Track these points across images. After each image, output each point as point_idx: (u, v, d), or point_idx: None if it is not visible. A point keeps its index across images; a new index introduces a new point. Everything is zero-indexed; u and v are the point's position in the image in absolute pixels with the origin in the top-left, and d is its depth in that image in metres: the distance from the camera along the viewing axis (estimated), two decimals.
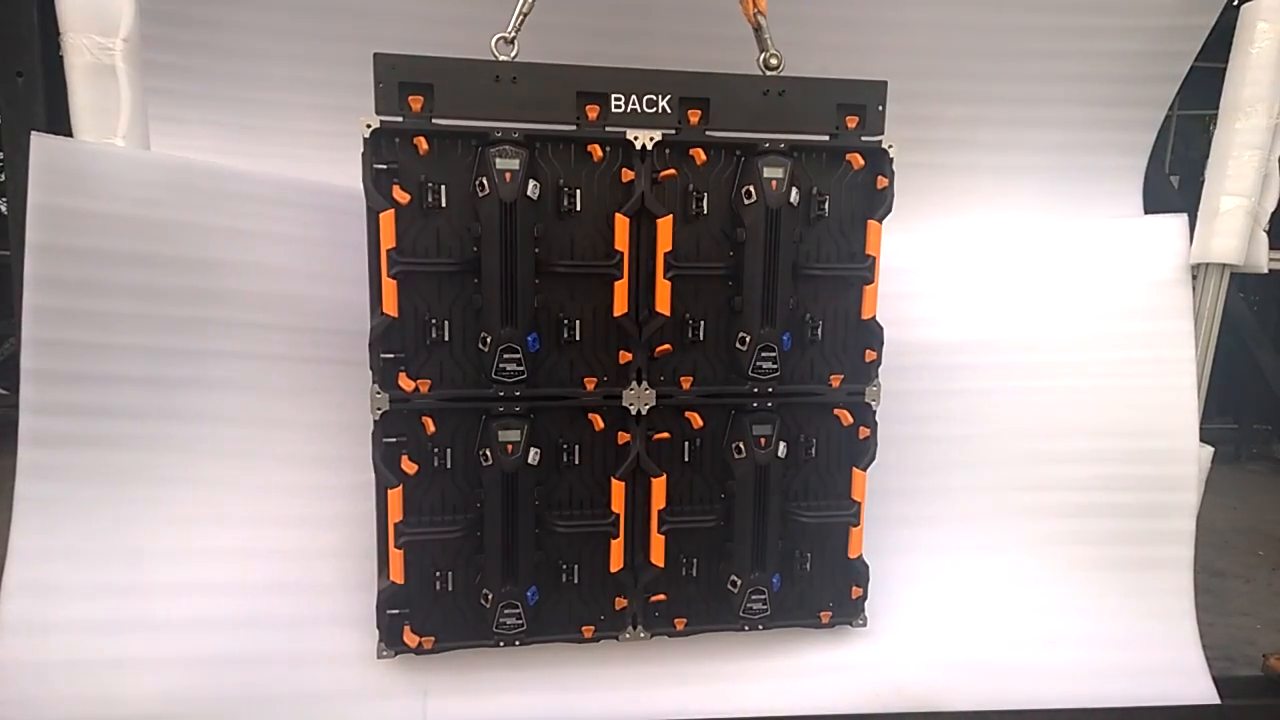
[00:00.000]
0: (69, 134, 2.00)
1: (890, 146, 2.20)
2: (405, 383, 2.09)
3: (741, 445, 2.23)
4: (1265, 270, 2.73)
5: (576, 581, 2.28)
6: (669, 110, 2.12)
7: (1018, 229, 2.91)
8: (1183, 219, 2.79)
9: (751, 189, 2.12)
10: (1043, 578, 2.74)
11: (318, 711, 2.27)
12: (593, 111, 2.09)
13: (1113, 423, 2.80)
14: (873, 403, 2.33)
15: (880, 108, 2.18)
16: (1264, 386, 4.28)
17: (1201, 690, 2.73)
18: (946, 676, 2.49)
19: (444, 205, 2.06)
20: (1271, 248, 2.72)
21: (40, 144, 1.94)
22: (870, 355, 2.29)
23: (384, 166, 2.01)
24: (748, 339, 2.17)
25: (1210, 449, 2.81)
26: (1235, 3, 2.67)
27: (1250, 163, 2.58)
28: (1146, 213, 3.06)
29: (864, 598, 2.43)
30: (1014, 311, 2.79)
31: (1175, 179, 5.89)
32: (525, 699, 2.35)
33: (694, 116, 2.13)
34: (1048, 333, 2.76)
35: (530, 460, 2.14)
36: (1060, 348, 2.81)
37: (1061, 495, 2.81)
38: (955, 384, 2.75)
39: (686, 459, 2.28)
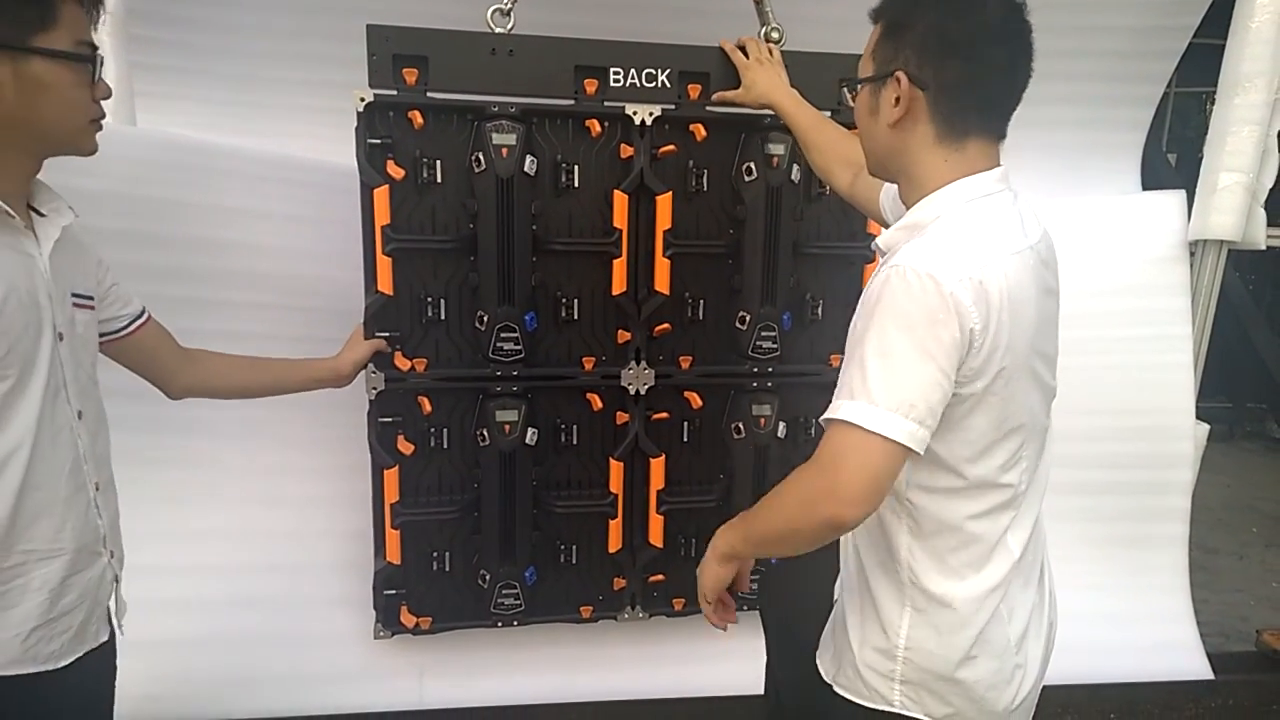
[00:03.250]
0: None
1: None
2: (401, 362, 2.10)
3: (741, 425, 2.26)
4: (1263, 247, 2.79)
5: (575, 562, 2.32)
6: (669, 85, 2.13)
7: None
8: (1180, 195, 2.84)
9: (752, 165, 2.14)
10: None
11: (313, 691, 2.32)
12: (591, 86, 2.10)
13: (1109, 400, 2.85)
14: None
15: None
16: (1259, 364, 4.39)
17: (1195, 666, 2.82)
18: None
19: (439, 181, 2.06)
20: (1270, 224, 2.78)
21: None
22: None
23: (378, 141, 2.01)
24: (748, 318, 2.20)
25: (1206, 426, 2.88)
26: None
27: (1249, 138, 2.62)
28: (1144, 190, 3.11)
29: None
30: None
31: (1172, 157, 5.97)
32: (522, 678, 2.40)
33: (694, 91, 2.14)
34: None
35: (528, 440, 2.17)
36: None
37: (1055, 472, 2.86)
38: None
39: (685, 439, 2.31)
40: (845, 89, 1.42)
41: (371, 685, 2.35)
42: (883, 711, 1.30)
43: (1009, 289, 1.16)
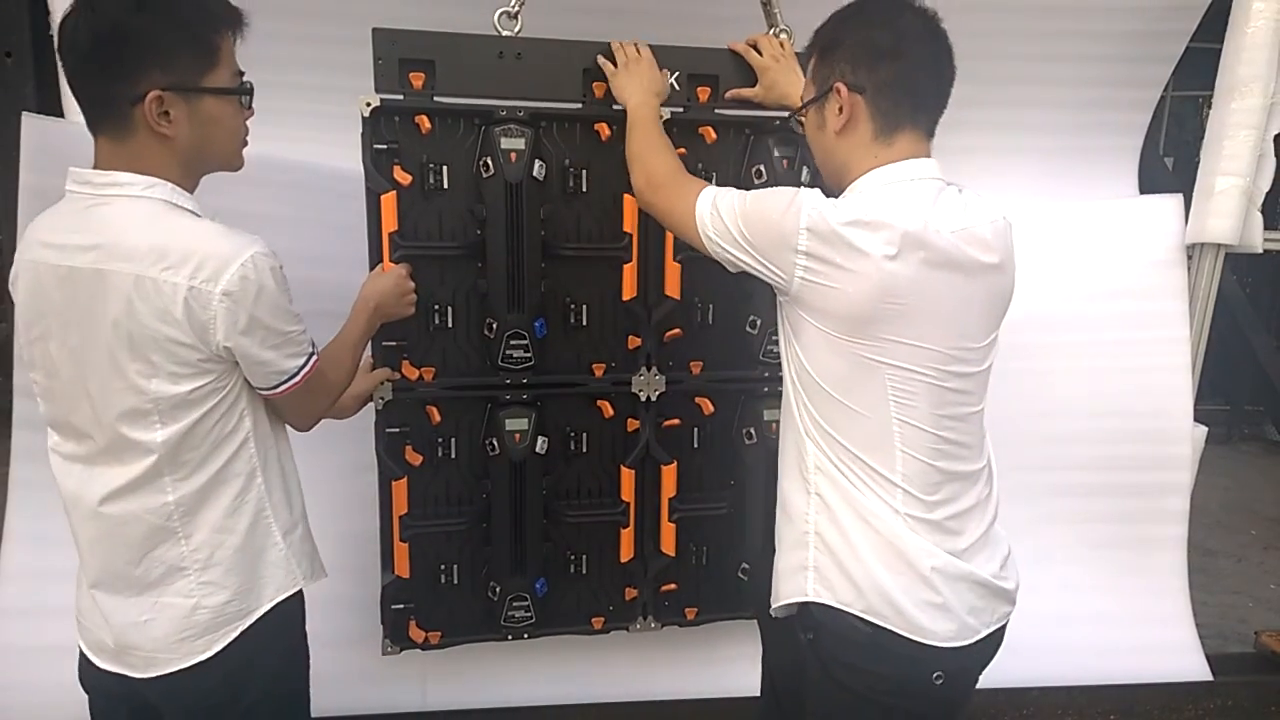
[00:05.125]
0: (60, 115, 2.04)
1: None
2: (409, 370, 2.16)
3: (752, 431, 2.33)
4: (1260, 250, 2.94)
5: (585, 572, 2.38)
6: (677, 87, 2.20)
7: (1013, 210, 3.09)
8: (1178, 199, 2.99)
9: (762, 168, 2.22)
10: (1036, 557, 2.91)
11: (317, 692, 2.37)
12: (600, 89, 2.16)
13: (1107, 403, 2.99)
14: None
15: None
16: (1256, 367, 4.59)
17: (1194, 667, 2.96)
18: None
19: (447, 186, 2.12)
20: (1266, 228, 2.93)
21: (31, 125, 1.98)
22: None
23: (384, 146, 2.06)
24: (759, 323, 2.28)
25: (1204, 429, 3.02)
26: None
27: (1246, 143, 2.78)
28: (1141, 194, 3.26)
29: None
30: None
31: (1169, 160, 6.19)
32: (532, 690, 2.47)
33: (703, 94, 2.22)
34: (1042, 312, 2.91)
35: (538, 449, 2.22)
36: (1055, 328, 2.99)
37: (1054, 475, 3.00)
38: None
39: (697, 445, 2.38)
40: (793, 119, 1.64)
41: (376, 688, 2.41)
42: (801, 604, 1.50)
43: (864, 249, 1.36)
